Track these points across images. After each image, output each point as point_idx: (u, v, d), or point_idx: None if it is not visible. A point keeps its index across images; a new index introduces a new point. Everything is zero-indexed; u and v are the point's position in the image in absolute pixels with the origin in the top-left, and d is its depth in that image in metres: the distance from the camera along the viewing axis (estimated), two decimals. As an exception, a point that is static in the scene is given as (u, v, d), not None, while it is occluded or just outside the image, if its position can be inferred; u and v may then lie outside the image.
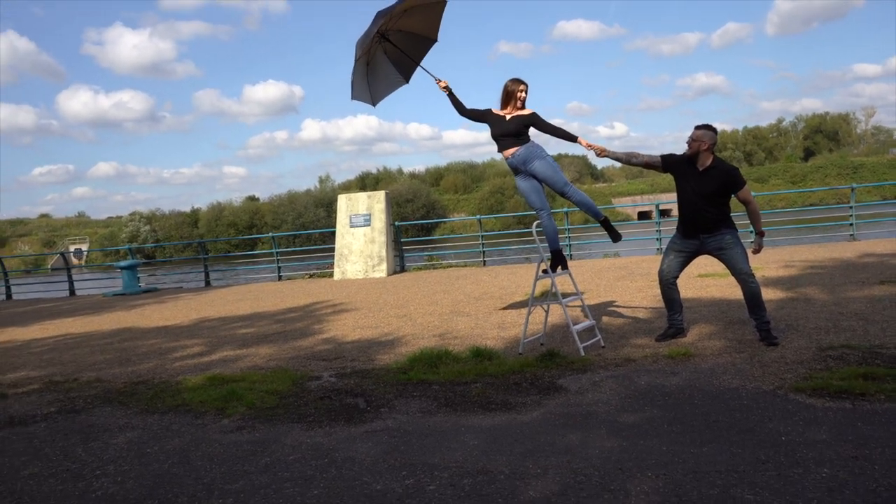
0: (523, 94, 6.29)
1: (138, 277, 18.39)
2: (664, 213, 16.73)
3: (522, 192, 6.49)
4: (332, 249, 16.84)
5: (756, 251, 6.22)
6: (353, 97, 7.01)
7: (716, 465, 3.42)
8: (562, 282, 6.68)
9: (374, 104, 7.28)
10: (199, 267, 20.53)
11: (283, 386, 5.75)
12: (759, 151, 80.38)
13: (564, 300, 6.28)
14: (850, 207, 15.01)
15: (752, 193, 6.00)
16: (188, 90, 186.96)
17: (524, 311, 7.79)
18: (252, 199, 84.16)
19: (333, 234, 16.98)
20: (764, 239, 6.21)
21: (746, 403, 4.36)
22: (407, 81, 7.26)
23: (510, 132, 6.25)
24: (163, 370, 6.91)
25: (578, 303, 6.69)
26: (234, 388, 5.66)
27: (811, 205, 25.75)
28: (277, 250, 18.52)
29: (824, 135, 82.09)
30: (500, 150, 6.37)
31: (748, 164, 74.70)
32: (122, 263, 18.09)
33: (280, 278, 18.04)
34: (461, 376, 5.62)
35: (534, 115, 6.28)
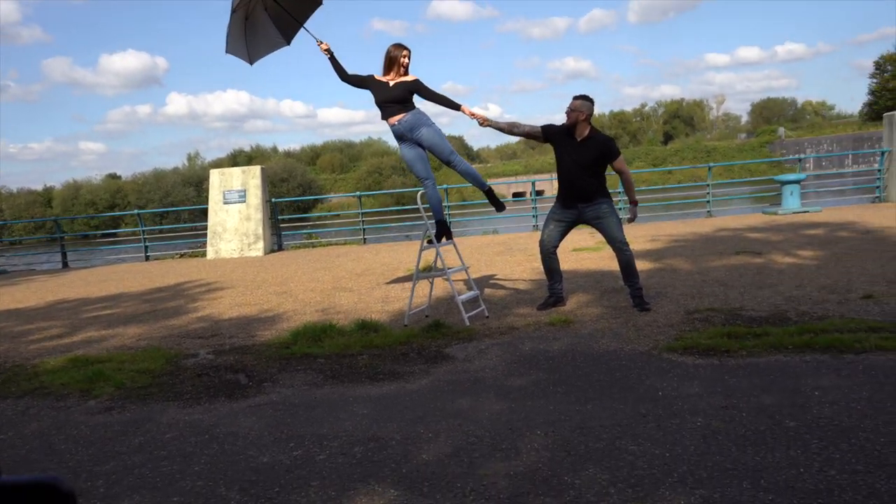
0: (406, 60, 6.18)
1: (-17, 259, 16.73)
2: (539, 193, 17.22)
3: (407, 160, 6.41)
4: (204, 228, 16.06)
5: (630, 220, 6.50)
6: (228, 51, 6.65)
7: (600, 421, 3.54)
8: (446, 253, 6.70)
9: (251, 62, 6.94)
10: (54, 248, 18.99)
11: (155, 365, 5.41)
12: (624, 135, 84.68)
13: (449, 271, 6.30)
14: (707, 185, 16.10)
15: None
16: (36, 57, 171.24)
17: (407, 285, 7.76)
18: (113, 177, 78.84)
19: (204, 212, 16.18)
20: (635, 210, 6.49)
21: (625, 363, 4.55)
22: (288, 43, 6.96)
23: (395, 98, 6.14)
24: (15, 353, 6.32)
25: (463, 274, 6.74)
26: (100, 369, 5.26)
27: (671, 185, 27.52)
28: (144, 228, 17.44)
29: (681, 120, 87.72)
30: (385, 117, 6.23)
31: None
32: (-36, 244, 16.40)
33: (147, 258, 17.02)
34: (347, 349, 5.52)
35: (417, 81, 6.19)
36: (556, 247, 6.36)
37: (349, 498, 2.91)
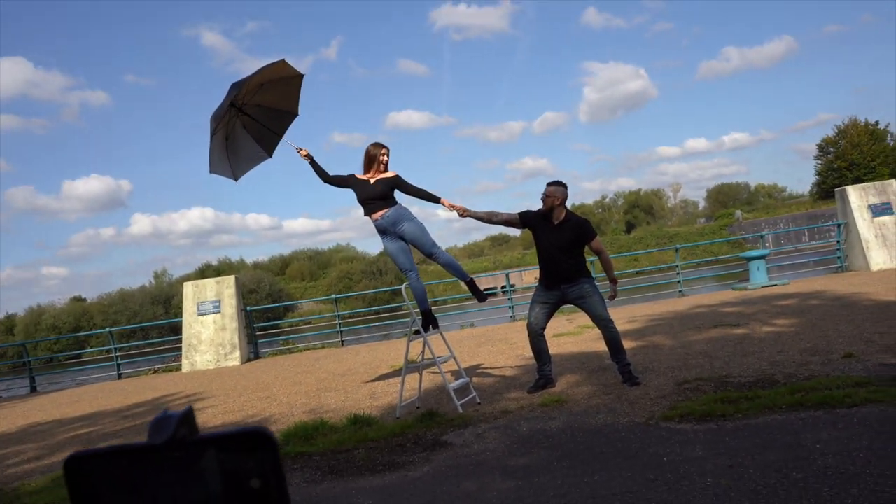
0: (385, 158, 6.42)
1: (-54, 389, 16.14)
2: (511, 286, 17.44)
3: (390, 253, 6.53)
4: (176, 342, 15.81)
5: (612, 297, 6.63)
6: (212, 171, 6.81)
7: (611, 489, 3.53)
8: (433, 342, 6.71)
9: (235, 179, 7.10)
10: (20, 374, 18.44)
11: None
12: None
13: (438, 360, 6.31)
14: (677, 266, 16.49)
15: (591, 259, 6.48)
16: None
17: (393, 381, 7.73)
18: (78, 299, 77.48)
19: (173, 328, 15.98)
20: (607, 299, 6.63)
21: (624, 435, 4.56)
22: (270, 156, 7.18)
23: (377, 195, 6.32)
24: (-7, 478, 6.05)
25: (452, 363, 6.74)
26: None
27: (638, 273, 28.11)
28: (116, 346, 17.09)
29: (641, 209, 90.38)
30: (367, 213, 6.40)
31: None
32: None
33: (120, 376, 16.59)
34: (341, 444, 5.42)
35: (397, 177, 6.41)
36: (544, 328, 6.45)
37: (367, 585, 2.82)
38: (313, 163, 6.57)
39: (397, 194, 6.48)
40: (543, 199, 6.29)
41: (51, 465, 6.31)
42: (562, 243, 6.21)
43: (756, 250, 15.29)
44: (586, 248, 6.35)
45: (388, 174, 6.39)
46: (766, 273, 14.51)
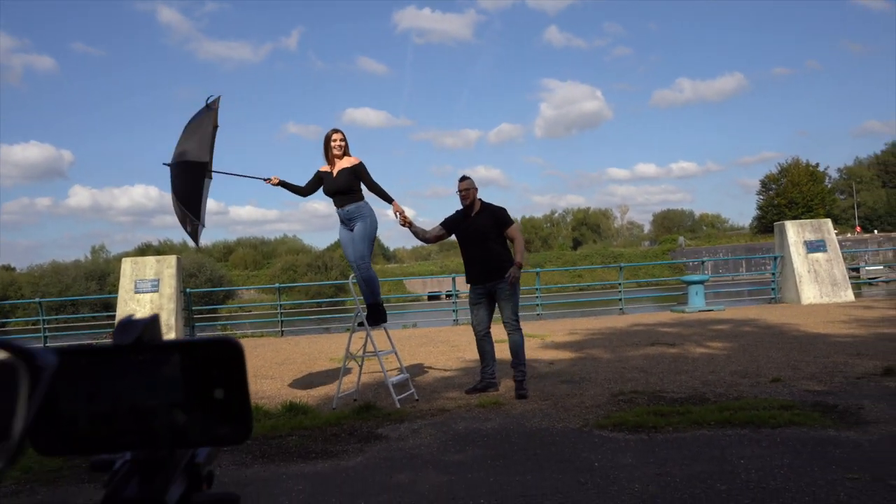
0: (339, 142, 6.31)
1: None
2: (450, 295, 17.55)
3: (342, 243, 6.48)
4: (109, 318, 15.36)
5: (507, 277, 6.20)
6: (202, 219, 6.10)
7: (542, 489, 3.58)
8: (377, 337, 6.68)
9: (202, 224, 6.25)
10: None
11: (53, 463, 5.05)
12: (536, 240, 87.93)
13: (380, 353, 6.29)
14: (619, 284, 16.84)
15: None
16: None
17: (331, 374, 7.69)
18: (7, 268, 74.47)
19: (108, 303, 15.53)
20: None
21: (559, 439, 4.63)
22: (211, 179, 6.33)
23: (339, 188, 6.22)
24: None
25: (393, 357, 6.73)
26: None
27: (581, 289, 28.65)
28: (44, 317, 16.49)
29: (588, 227, 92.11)
30: (335, 204, 6.31)
31: (527, 251, 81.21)
32: None
33: (45, 349, 15.99)
34: (275, 430, 5.35)
35: (360, 165, 6.26)
36: (487, 329, 6.48)
37: (293, 568, 2.79)
38: (286, 185, 6.41)
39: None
40: (463, 195, 6.33)
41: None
42: (481, 230, 6.27)
43: (696, 275, 15.74)
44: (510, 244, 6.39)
45: (351, 161, 6.30)
46: (704, 298, 14.94)
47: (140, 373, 0.55)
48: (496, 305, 6.43)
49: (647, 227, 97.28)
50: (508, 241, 6.45)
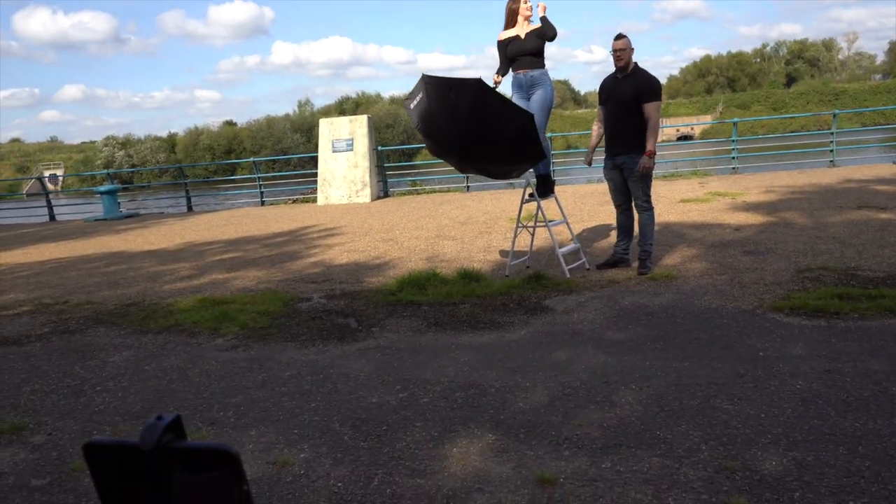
0: (528, 12, 6.13)
1: (119, 203, 18.19)
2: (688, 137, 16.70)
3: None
4: (314, 174, 16.70)
5: (639, 169, 5.87)
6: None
7: (696, 379, 3.59)
8: (547, 206, 6.73)
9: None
10: (179, 192, 20.35)
11: (274, 307, 5.84)
12: (743, 77, 79.88)
13: (550, 224, 6.37)
14: (832, 133, 15.10)
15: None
16: (151, 11, 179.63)
17: (509, 234, 7.89)
18: (230, 123, 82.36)
19: (314, 158, 16.81)
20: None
21: (726, 322, 4.52)
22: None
23: (527, 51, 6.09)
24: (153, 293, 6.97)
25: (564, 227, 6.78)
26: (225, 310, 5.75)
27: (793, 131, 25.77)
28: (259, 175, 18.35)
29: (805, 61, 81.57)
30: (515, 68, 6.20)
31: (731, 90, 74.28)
32: (102, 188, 17.84)
33: (263, 203, 17.95)
34: (449, 297, 5.74)
35: (544, 25, 6.08)
36: (621, 205, 6.21)
37: (450, 439, 3.13)
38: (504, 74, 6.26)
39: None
40: (618, 55, 5.86)
41: (199, 286, 7.14)
42: (620, 97, 5.86)
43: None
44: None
45: (535, 25, 6.11)
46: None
47: (158, 472, 0.67)
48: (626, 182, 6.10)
49: (880, 58, 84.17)
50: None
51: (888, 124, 24.35)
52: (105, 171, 26.71)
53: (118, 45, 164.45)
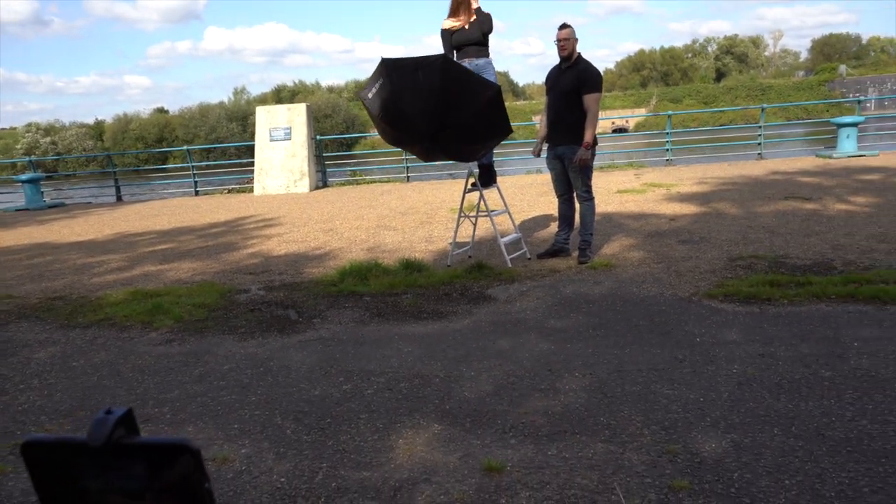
0: (476, 3, 6.09)
1: (42, 192, 17.37)
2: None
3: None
4: (251, 164, 16.33)
5: (575, 162, 5.90)
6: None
7: (637, 365, 3.66)
8: (489, 196, 6.75)
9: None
10: (108, 181, 19.56)
11: (210, 299, 5.68)
12: (676, 72, 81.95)
13: (492, 213, 6.38)
14: (760, 127, 15.64)
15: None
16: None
17: (450, 225, 7.88)
18: (161, 111, 79.79)
19: (250, 148, 16.42)
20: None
21: (664, 309, 4.62)
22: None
23: (473, 40, 6.06)
24: (80, 286, 6.67)
25: (506, 217, 6.81)
26: (159, 302, 5.55)
27: (723, 125, 26.69)
28: (193, 164, 17.82)
29: (734, 56, 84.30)
30: (460, 58, 6.16)
31: (665, 85, 76.18)
32: (24, 177, 16.99)
33: (197, 193, 17.42)
34: (392, 288, 5.69)
35: (488, 17, 6.07)
36: (563, 194, 6.27)
37: (395, 431, 3.10)
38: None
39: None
40: (562, 45, 5.91)
41: (130, 278, 6.88)
42: (562, 87, 5.93)
43: (849, 116, 14.28)
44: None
45: (480, 13, 6.08)
46: (857, 142, 13.63)
47: (109, 469, 0.61)
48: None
49: (803, 55, 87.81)
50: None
51: (811, 119, 25.40)
52: (27, 157, 25.48)
53: (40, 28, 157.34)
